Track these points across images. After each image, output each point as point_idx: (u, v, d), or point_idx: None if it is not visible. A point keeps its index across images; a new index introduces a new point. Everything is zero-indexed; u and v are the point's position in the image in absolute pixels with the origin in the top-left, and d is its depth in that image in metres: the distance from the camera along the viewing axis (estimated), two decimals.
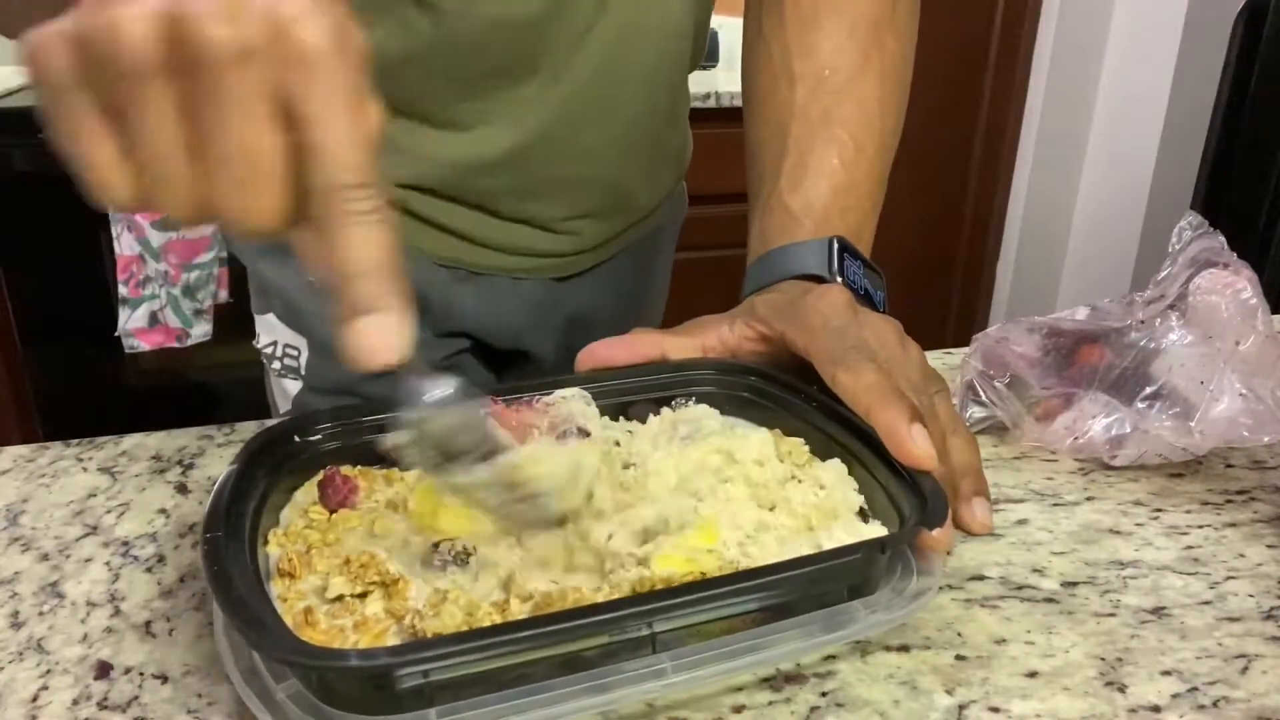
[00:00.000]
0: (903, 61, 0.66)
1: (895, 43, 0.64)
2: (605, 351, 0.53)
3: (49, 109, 0.31)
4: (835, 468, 0.46)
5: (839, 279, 0.55)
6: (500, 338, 0.80)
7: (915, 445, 0.43)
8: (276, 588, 0.39)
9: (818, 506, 0.44)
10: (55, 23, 0.30)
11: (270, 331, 0.77)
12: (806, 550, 0.41)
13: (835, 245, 0.56)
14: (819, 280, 0.55)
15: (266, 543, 0.41)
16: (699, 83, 1.95)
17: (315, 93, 0.31)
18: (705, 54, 0.81)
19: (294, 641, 0.33)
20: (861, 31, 0.63)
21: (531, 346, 0.82)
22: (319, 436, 0.46)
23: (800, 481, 0.46)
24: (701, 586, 0.36)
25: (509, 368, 0.84)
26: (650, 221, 0.84)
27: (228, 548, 0.37)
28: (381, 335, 0.33)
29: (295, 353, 0.76)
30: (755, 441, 0.47)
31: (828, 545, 0.41)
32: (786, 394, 0.50)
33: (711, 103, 1.93)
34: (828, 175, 0.59)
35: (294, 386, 0.77)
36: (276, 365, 0.77)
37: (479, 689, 0.34)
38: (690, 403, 0.52)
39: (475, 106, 0.68)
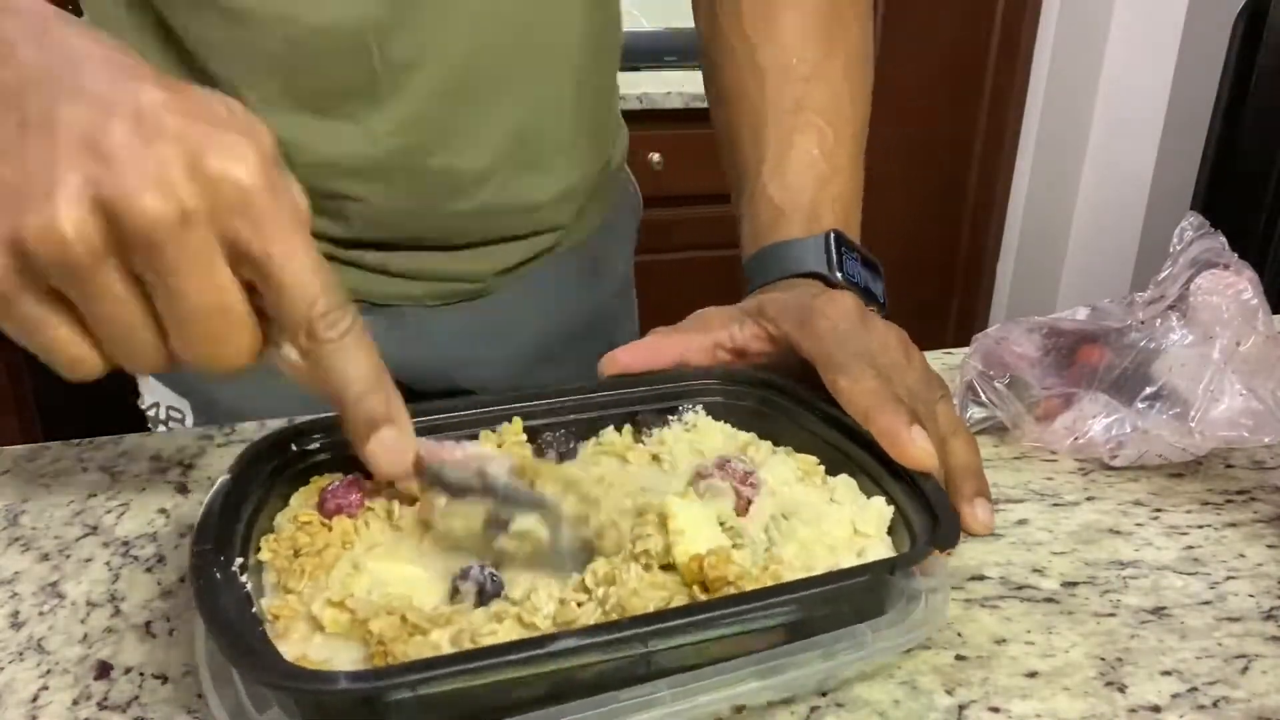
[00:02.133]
0: (864, 42, 0.64)
1: (856, 23, 0.63)
2: (627, 358, 0.52)
3: None
4: (845, 483, 0.45)
5: (839, 274, 0.55)
6: (427, 379, 0.71)
7: (914, 446, 0.43)
8: (272, 603, 0.38)
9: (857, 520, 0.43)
10: None
11: (152, 392, 0.73)
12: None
13: (832, 241, 0.56)
14: (821, 278, 0.55)
15: (259, 550, 0.40)
16: (688, 82, 1.96)
17: (264, 233, 0.31)
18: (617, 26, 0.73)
19: (281, 665, 0.32)
20: (822, 17, 0.62)
21: (470, 382, 0.73)
22: (316, 445, 0.45)
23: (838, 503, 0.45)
24: (698, 609, 0.35)
25: None
26: (577, 228, 0.76)
27: (217, 561, 0.36)
28: (393, 448, 0.35)
29: (179, 415, 0.72)
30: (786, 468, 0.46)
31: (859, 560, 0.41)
32: (795, 405, 0.49)
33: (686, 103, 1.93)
34: (810, 165, 0.59)
35: None
36: (162, 429, 0.73)
37: (469, 712, 0.33)
38: (698, 409, 0.51)
39: (324, 120, 0.62)
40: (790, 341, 0.51)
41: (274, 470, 0.43)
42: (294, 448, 0.44)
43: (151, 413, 0.74)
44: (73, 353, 0.32)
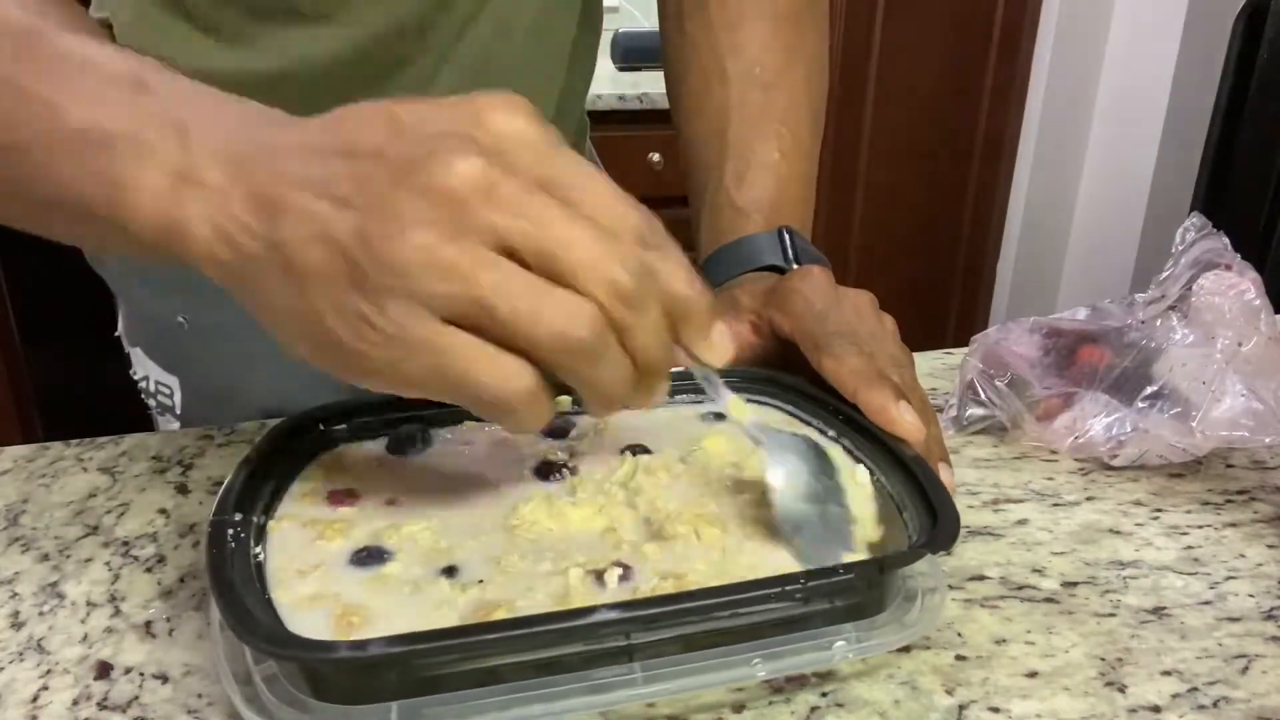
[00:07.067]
0: (821, 51, 0.68)
1: (815, 33, 0.67)
2: None
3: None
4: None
5: (794, 265, 0.57)
6: None
7: (903, 421, 0.45)
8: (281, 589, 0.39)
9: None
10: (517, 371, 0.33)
11: (142, 366, 0.74)
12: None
13: (786, 234, 0.58)
14: (778, 270, 0.57)
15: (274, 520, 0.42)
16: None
17: (559, 166, 0.33)
18: (598, 34, 0.76)
19: (276, 631, 0.34)
20: (784, 28, 0.65)
21: None
22: (344, 426, 0.47)
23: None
24: (678, 599, 0.35)
25: None
26: None
27: (235, 533, 0.38)
28: (725, 343, 0.37)
29: (168, 391, 0.73)
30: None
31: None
32: (809, 404, 0.50)
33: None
34: (771, 168, 0.61)
35: (172, 426, 0.73)
36: (151, 402, 0.74)
37: (445, 687, 0.34)
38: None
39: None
40: (772, 324, 0.53)
41: (301, 450, 0.45)
42: (322, 427, 0.47)
43: (142, 385, 0.75)
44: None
